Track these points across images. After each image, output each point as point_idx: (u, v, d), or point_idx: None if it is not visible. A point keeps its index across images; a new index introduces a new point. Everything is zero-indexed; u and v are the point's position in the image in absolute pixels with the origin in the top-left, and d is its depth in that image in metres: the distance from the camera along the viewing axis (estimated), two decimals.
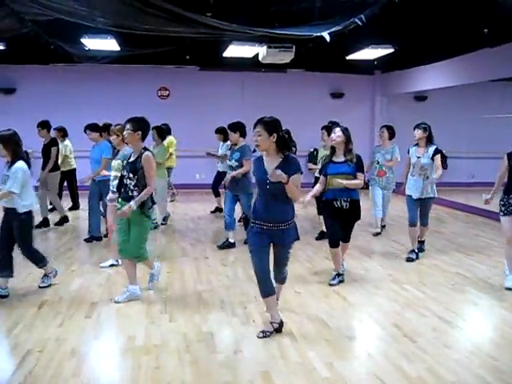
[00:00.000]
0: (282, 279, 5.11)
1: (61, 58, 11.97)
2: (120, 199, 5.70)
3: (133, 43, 10.34)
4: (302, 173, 4.64)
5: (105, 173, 7.53)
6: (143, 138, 5.59)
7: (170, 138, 11.41)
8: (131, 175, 5.52)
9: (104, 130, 8.27)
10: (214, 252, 8.00)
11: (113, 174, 6.66)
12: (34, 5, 6.82)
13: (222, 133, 10.54)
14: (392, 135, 9.26)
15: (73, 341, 4.63)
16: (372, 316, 5.36)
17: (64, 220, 9.97)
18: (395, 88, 15.53)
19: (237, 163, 7.91)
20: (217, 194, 11.15)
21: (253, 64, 11.91)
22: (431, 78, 13.43)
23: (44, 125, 9.61)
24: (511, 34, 9.60)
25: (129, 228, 5.62)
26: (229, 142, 9.42)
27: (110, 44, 9.98)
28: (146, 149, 5.60)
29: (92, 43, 9.94)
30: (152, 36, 8.57)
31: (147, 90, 14.79)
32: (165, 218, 10.16)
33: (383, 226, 9.67)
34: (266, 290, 4.79)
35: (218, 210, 11.21)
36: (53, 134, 10.03)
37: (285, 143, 4.65)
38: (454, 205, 12.15)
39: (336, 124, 6.98)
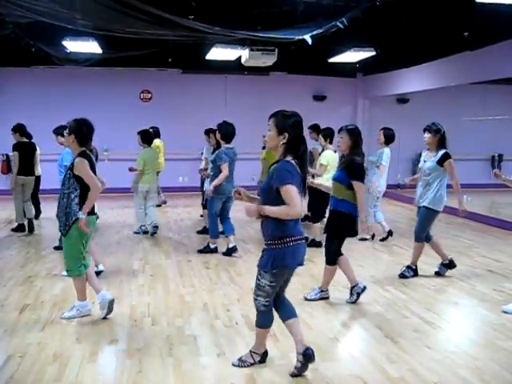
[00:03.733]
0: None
1: (42, 60, 11.85)
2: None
3: (115, 46, 10.30)
4: (289, 183, 3.69)
5: None
6: (80, 143, 5.09)
7: (157, 142, 11.32)
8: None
9: None
10: (197, 255, 7.98)
11: None
12: (15, 7, 6.76)
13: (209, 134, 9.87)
14: (389, 139, 8.76)
15: (54, 345, 4.59)
16: (354, 317, 5.39)
17: (20, 228, 9.49)
18: (377, 90, 15.64)
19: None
20: (206, 207, 10.46)
21: (235, 67, 11.94)
22: (413, 80, 13.55)
23: (17, 129, 9.39)
24: (491, 38, 9.74)
25: None
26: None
27: (91, 46, 9.94)
28: (80, 154, 5.05)
29: (73, 46, 9.88)
30: (134, 39, 8.53)
31: (129, 92, 14.75)
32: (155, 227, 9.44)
33: (373, 235, 9.01)
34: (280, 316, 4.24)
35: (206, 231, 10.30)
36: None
37: (294, 149, 3.83)
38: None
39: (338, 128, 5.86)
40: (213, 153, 8.66)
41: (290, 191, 3.69)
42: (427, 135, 6.57)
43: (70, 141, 5.11)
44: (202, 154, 10.60)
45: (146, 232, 9.41)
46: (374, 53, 10.79)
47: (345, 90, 16.02)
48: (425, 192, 6.55)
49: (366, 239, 8.82)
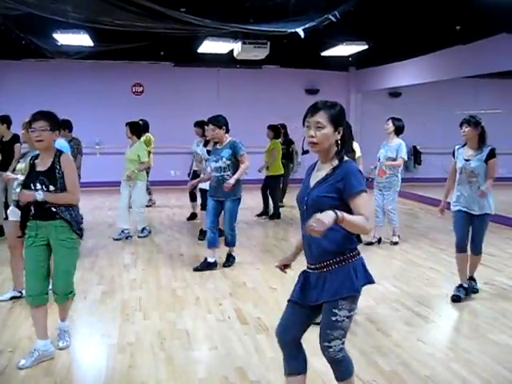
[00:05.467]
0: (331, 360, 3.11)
1: (33, 53, 11.77)
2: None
3: (106, 39, 10.22)
4: (365, 190, 2.90)
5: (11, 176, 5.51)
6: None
7: (147, 135, 11.21)
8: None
9: (65, 126, 7.59)
10: (188, 249, 7.96)
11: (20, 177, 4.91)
12: None
13: (202, 127, 9.22)
14: (399, 129, 8.10)
15: None
16: None
17: None
18: (370, 84, 15.64)
19: (229, 161, 6.68)
20: (193, 199, 10.04)
21: (228, 60, 11.88)
22: (405, 74, 13.55)
23: (4, 120, 8.43)
24: (483, 31, 9.73)
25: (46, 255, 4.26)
26: (201, 139, 9.07)
27: (82, 39, 9.85)
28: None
29: (64, 38, 9.78)
30: (126, 31, 8.46)
31: (121, 86, 14.67)
32: (143, 230, 8.83)
33: (379, 239, 8.35)
34: (285, 366, 3.23)
35: (195, 216, 10.18)
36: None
37: (346, 143, 3.11)
38: (427, 200, 12.28)
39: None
40: (205, 145, 8.51)
41: (367, 200, 2.90)
42: (466, 129, 5.76)
43: (52, 138, 4.18)
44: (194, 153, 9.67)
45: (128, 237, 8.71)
46: (366, 46, 10.77)
47: (337, 83, 15.99)
48: (476, 196, 5.69)
49: (372, 243, 8.20)
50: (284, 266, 3.41)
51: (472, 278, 6.01)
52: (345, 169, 2.93)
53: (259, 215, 10.51)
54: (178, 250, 7.88)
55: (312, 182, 3.04)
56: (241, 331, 4.81)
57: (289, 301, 3.21)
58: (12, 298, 5.56)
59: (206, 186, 7.65)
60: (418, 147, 16.36)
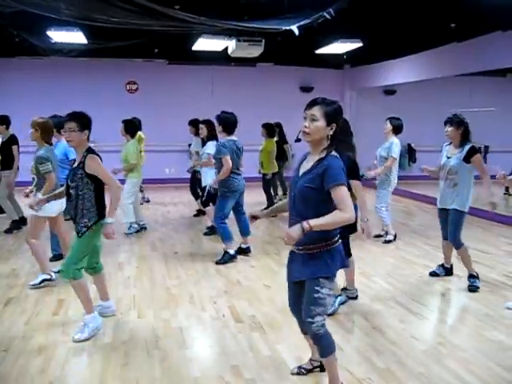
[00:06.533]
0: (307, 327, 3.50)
1: (26, 50, 11.74)
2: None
3: (100, 36, 10.19)
4: (343, 183, 3.19)
5: None
6: (88, 139, 4.72)
7: (141, 134, 11.16)
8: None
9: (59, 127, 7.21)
10: (183, 246, 7.95)
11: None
12: None
13: (196, 125, 9.39)
14: (397, 128, 8.01)
15: (40, 338, 4.56)
16: (341, 308, 5.38)
17: (16, 226, 8.71)
18: (364, 82, 15.65)
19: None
20: (197, 197, 9.84)
21: (222, 58, 11.87)
22: (400, 72, 13.56)
23: (2, 120, 8.61)
24: (478, 29, 9.76)
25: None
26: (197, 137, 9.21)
27: (76, 37, 9.82)
28: (90, 151, 4.64)
29: (58, 36, 9.75)
30: (120, 29, 8.45)
31: (115, 83, 14.64)
32: (130, 226, 8.77)
33: (378, 235, 8.37)
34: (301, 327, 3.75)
35: (201, 212, 10.04)
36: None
37: (341, 140, 3.45)
38: (421, 198, 12.31)
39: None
40: (202, 145, 8.55)
41: (344, 193, 3.18)
42: (449, 128, 5.84)
43: (81, 137, 4.56)
44: (189, 146, 10.25)
45: (142, 228, 8.95)
46: (360, 44, 10.77)
47: (332, 81, 16.00)
48: (452, 193, 5.88)
49: (380, 236, 8.34)
50: (253, 217, 3.89)
51: (471, 275, 6.05)
52: (327, 162, 3.22)
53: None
54: (173, 248, 7.86)
55: (301, 171, 3.37)
56: (235, 329, 4.80)
57: (287, 281, 3.67)
58: (43, 281, 5.93)
59: (206, 183, 7.97)
60: (412, 145, 16.37)
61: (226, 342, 4.53)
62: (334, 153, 3.27)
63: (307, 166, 3.33)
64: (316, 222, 3.12)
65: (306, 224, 3.10)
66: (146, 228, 9.01)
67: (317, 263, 3.33)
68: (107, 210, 4.61)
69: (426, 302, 5.67)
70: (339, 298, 5.34)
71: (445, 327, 5.10)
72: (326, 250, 3.33)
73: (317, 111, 3.25)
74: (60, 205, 5.79)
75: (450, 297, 5.91)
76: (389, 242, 8.23)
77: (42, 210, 5.39)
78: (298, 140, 10.46)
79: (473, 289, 5.95)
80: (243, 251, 7.39)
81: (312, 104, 3.30)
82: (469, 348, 4.47)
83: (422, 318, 5.18)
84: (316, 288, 3.33)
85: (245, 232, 7.47)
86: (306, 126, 3.26)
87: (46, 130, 5.94)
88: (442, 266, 6.48)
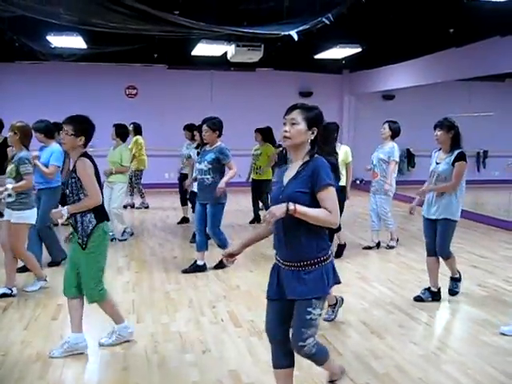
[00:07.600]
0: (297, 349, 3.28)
1: (26, 55, 11.75)
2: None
3: (100, 41, 10.20)
4: (332, 184, 3.11)
5: None
6: (86, 144, 4.52)
7: (137, 138, 11.23)
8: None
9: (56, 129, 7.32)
10: (182, 251, 7.96)
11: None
12: None
13: (191, 130, 9.36)
14: (395, 132, 7.88)
15: (38, 343, 4.55)
16: (340, 313, 5.38)
17: None
18: (363, 87, 15.68)
19: (210, 165, 6.65)
20: (184, 202, 9.93)
21: (221, 63, 11.90)
22: (399, 77, 13.59)
23: None
24: (477, 34, 9.78)
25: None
26: (191, 142, 9.20)
27: (76, 42, 9.84)
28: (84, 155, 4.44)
29: (58, 41, 9.77)
30: (119, 34, 8.46)
31: (115, 88, 14.66)
32: (123, 232, 8.70)
33: (378, 244, 8.24)
34: (273, 360, 3.45)
35: (186, 220, 10.05)
36: None
37: (324, 144, 3.32)
38: (420, 202, 12.28)
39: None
40: (197, 148, 8.47)
41: (334, 195, 3.09)
42: (438, 132, 5.63)
43: (75, 142, 4.36)
44: (184, 156, 9.64)
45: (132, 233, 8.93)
46: (359, 49, 10.80)
47: (331, 86, 16.04)
48: (439, 200, 5.56)
49: (370, 248, 8.15)
50: (230, 256, 3.51)
51: (454, 279, 5.94)
52: (316, 163, 3.12)
53: (251, 222, 10.27)
54: (172, 253, 7.87)
55: (285, 181, 3.21)
56: (234, 334, 4.80)
57: (267, 298, 3.35)
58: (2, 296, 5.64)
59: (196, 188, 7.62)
60: (411, 150, 16.40)
61: (224, 347, 4.53)
62: (317, 156, 3.17)
63: (291, 173, 3.19)
64: (302, 209, 2.98)
65: (292, 205, 2.95)
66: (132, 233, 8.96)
67: (309, 282, 3.12)
68: (77, 206, 4.24)
69: (425, 307, 5.66)
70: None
71: (444, 332, 5.10)
72: (320, 266, 3.15)
73: (297, 115, 3.16)
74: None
75: (448, 302, 5.90)
76: (392, 247, 8.20)
77: (22, 217, 5.49)
78: (278, 146, 10.38)
79: (453, 293, 5.90)
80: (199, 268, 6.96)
81: (292, 109, 3.22)
82: (467, 353, 4.47)
83: (421, 323, 5.19)
84: (308, 309, 3.13)
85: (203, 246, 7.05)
86: (286, 131, 3.16)
87: (25, 134, 5.83)
88: (429, 289, 5.81)
